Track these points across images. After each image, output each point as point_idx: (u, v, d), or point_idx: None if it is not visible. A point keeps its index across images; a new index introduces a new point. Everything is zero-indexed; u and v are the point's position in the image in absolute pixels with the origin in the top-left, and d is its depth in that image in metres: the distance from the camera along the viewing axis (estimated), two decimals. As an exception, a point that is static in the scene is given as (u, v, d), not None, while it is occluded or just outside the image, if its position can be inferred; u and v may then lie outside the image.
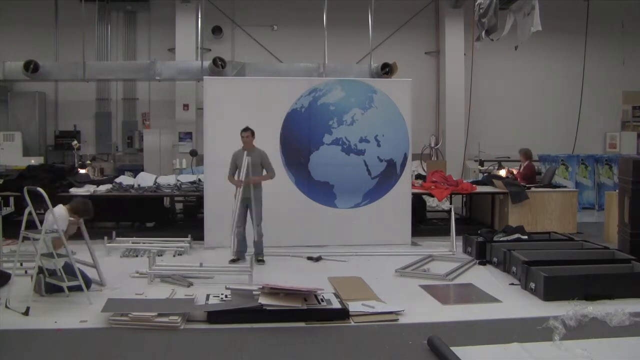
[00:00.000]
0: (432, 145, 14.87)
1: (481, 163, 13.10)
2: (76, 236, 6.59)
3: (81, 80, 13.35)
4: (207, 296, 5.90)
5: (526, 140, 13.69)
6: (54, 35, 13.94)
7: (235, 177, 7.75)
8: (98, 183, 10.04)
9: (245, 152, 7.74)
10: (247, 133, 7.75)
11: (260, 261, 7.83)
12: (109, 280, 6.59)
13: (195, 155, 12.23)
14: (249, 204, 7.80)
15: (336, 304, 5.69)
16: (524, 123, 15.70)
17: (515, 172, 11.13)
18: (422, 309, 5.81)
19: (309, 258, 8.13)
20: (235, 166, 7.83)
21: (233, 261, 7.78)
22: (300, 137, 9.00)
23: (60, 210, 6.31)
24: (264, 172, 7.93)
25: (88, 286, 6.12)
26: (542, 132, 15.52)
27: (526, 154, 11.25)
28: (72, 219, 6.37)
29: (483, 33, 10.38)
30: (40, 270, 6.02)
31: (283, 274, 7.13)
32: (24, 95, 14.47)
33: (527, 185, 10.33)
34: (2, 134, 13.70)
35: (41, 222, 6.02)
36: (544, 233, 9.12)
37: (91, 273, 6.50)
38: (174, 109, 14.72)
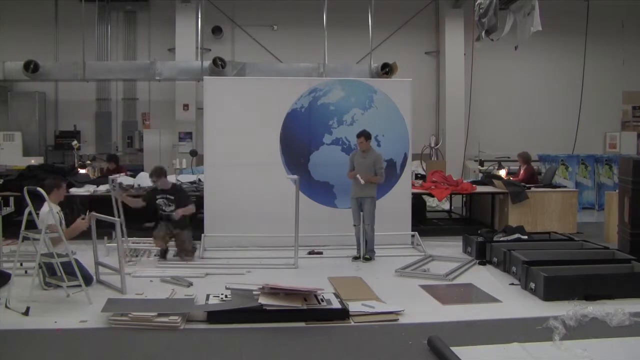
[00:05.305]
0: (432, 145, 14.87)
1: (481, 163, 13.10)
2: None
3: (81, 80, 13.37)
4: (207, 296, 5.89)
5: (526, 140, 13.72)
6: (54, 35, 13.97)
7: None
8: (98, 183, 10.03)
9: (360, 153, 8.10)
10: (361, 139, 7.96)
11: (367, 259, 7.98)
12: (108, 279, 6.59)
13: (195, 155, 12.22)
14: (362, 202, 8.02)
15: (336, 304, 5.68)
16: (524, 123, 15.69)
17: (514, 178, 10.89)
18: (422, 309, 5.80)
19: (310, 253, 8.33)
20: (352, 165, 8.16)
21: (355, 258, 8.07)
22: (300, 137, 8.99)
23: (44, 208, 6.17)
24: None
25: (88, 283, 6.11)
26: (542, 132, 15.51)
27: (525, 158, 11.14)
28: (54, 205, 6.28)
29: (483, 33, 10.37)
30: (40, 267, 6.04)
31: (283, 274, 7.13)
32: (24, 95, 14.47)
33: (527, 185, 10.31)
34: (2, 134, 13.70)
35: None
36: (544, 233, 9.11)
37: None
38: (174, 109, 14.73)
